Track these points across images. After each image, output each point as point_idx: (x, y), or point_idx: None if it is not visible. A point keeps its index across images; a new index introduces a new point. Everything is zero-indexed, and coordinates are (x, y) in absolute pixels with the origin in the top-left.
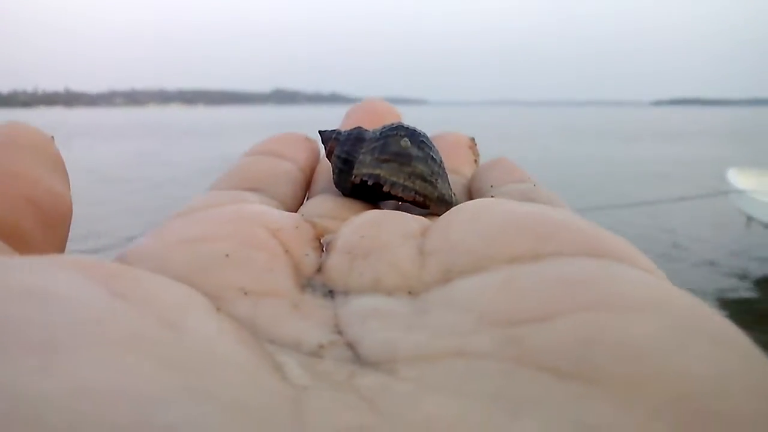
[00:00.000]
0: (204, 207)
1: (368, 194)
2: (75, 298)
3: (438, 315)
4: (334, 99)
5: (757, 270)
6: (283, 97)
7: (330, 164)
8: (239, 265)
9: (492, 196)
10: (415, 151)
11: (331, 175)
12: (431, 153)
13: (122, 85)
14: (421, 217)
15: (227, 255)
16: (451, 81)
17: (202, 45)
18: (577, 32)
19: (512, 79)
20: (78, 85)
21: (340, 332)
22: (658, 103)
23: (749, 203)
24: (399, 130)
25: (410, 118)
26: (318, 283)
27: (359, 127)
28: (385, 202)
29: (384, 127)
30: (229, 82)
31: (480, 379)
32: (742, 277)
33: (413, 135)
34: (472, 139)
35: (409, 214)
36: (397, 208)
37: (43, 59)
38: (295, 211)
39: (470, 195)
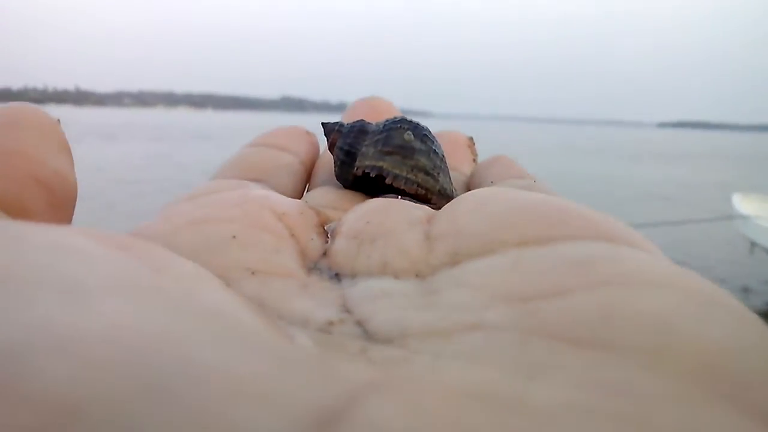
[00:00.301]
0: (209, 192)
1: (370, 187)
2: (95, 254)
3: (448, 294)
4: (341, 108)
5: (759, 298)
6: (290, 104)
7: (331, 157)
8: (246, 246)
9: None
10: (418, 145)
11: (333, 168)
12: (434, 147)
13: (131, 86)
14: (425, 206)
15: (234, 236)
16: (455, 94)
17: (211, 49)
18: (583, 51)
19: (516, 95)
20: (87, 84)
21: (348, 311)
22: (663, 124)
23: (753, 229)
24: (402, 124)
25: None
26: (324, 267)
27: (362, 120)
28: (387, 195)
29: (387, 121)
30: (237, 87)
31: (496, 350)
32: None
33: (416, 128)
34: (471, 138)
35: (413, 203)
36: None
37: (54, 58)
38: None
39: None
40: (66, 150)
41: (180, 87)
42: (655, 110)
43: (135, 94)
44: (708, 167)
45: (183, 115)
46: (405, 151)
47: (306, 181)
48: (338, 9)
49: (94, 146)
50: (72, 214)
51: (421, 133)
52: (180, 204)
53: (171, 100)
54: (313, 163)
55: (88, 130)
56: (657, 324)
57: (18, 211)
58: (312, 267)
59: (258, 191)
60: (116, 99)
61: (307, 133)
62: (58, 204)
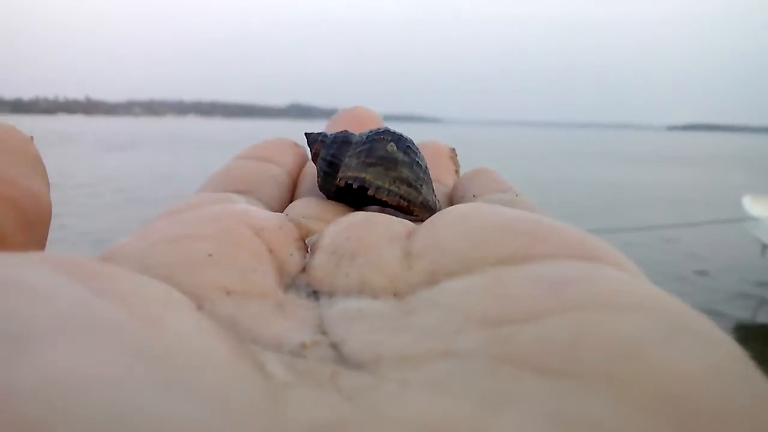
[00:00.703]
0: (189, 208)
1: (353, 198)
2: (49, 290)
3: (423, 316)
4: None
5: None
6: (299, 112)
7: (315, 167)
8: (222, 265)
9: None
10: (401, 156)
11: (316, 179)
12: (416, 159)
13: (141, 95)
14: (407, 221)
15: (210, 254)
16: (463, 100)
17: (219, 58)
18: (591, 55)
19: (526, 100)
20: (98, 94)
21: (323, 332)
22: (673, 127)
23: (764, 231)
24: (385, 135)
25: (424, 135)
26: (302, 283)
27: (345, 131)
28: (369, 206)
29: (371, 132)
30: (245, 95)
31: (464, 378)
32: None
33: (399, 140)
34: (453, 150)
35: (395, 217)
36: (381, 213)
37: (65, 68)
38: (281, 212)
39: (452, 204)
40: (40, 168)
41: (189, 95)
42: (664, 113)
43: (145, 103)
44: (720, 169)
45: (193, 123)
46: (388, 163)
47: (293, 193)
48: (346, 17)
49: (108, 156)
50: (46, 233)
51: (404, 145)
52: (158, 220)
53: (180, 108)
54: (300, 172)
55: (102, 139)
56: (624, 351)
57: None
58: (290, 284)
59: (237, 206)
60: (126, 108)
61: (296, 144)
62: (30, 224)
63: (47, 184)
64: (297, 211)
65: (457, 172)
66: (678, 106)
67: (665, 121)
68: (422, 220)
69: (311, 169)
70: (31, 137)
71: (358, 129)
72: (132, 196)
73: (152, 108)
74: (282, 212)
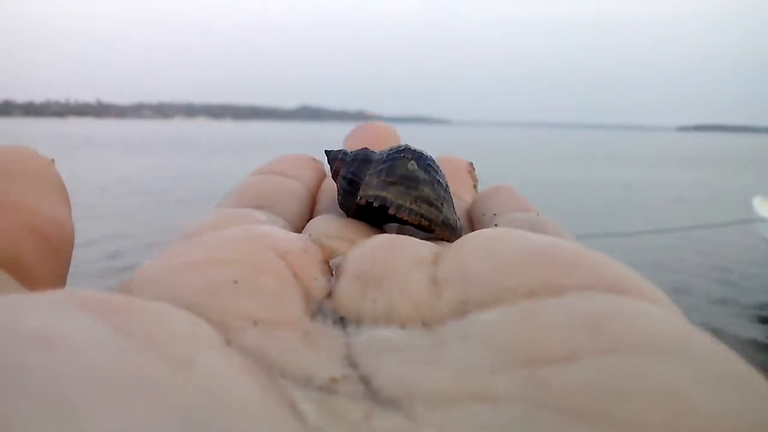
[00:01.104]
0: (211, 227)
1: (373, 216)
2: (80, 339)
3: (456, 350)
4: (359, 117)
5: None
6: (308, 114)
7: (335, 184)
8: (248, 292)
9: (496, 225)
10: (422, 175)
11: (336, 195)
12: (437, 177)
13: (151, 97)
14: (431, 243)
15: (236, 281)
16: (473, 102)
17: (229, 60)
18: (601, 56)
19: (535, 101)
20: (108, 97)
21: (352, 365)
22: (683, 128)
23: None
24: (406, 153)
25: (432, 137)
26: (328, 309)
27: (366, 149)
28: (389, 224)
29: (391, 150)
30: (255, 97)
31: (503, 424)
32: None
33: (420, 158)
34: (471, 164)
35: (419, 240)
36: (401, 231)
37: (76, 71)
38: (301, 229)
39: (471, 221)
40: (62, 193)
41: (199, 98)
42: (675, 114)
43: (155, 106)
44: (732, 170)
45: (202, 125)
46: (409, 182)
47: (312, 208)
48: (355, 20)
49: (121, 158)
50: (70, 258)
51: (425, 163)
52: (181, 242)
53: (190, 111)
54: (319, 186)
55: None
56: (669, 400)
57: (13, 262)
58: (316, 310)
59: (261, 228)
60: (136, 111)
61: (314, 160)
62: (54, 251)
63: (69, 208)
64: (318, 229)
65: (475, 186)
66: (688, 106)
67: (675, 121)
68: (443, 239)
69: (330, 184)
70: (52, 160)
71: (377, 145)
72: (159, 198)
73: (162, 110)
74: (302, 226)
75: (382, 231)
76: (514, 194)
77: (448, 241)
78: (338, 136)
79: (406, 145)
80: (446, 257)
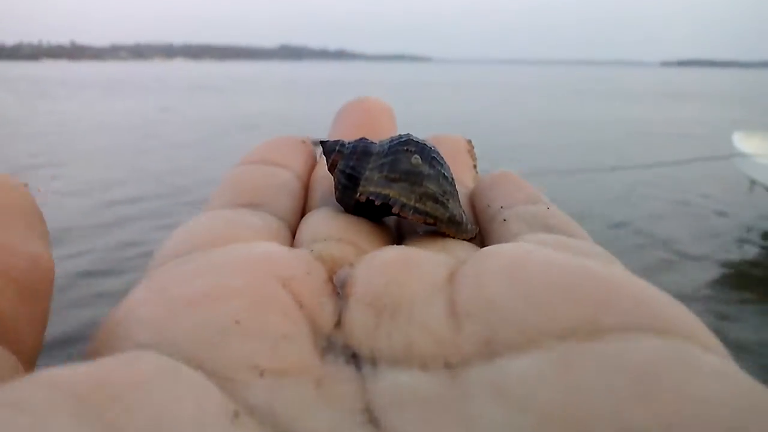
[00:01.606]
0: (203, 243)
1: (373, 212)
2: None
3: (487, 407)
4: (340, 56)
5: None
6: (289, 53)
7: (328, 173)
8: (251, 335)
9: (504, 219)
10: (426, 169)
11: (332, 188)
12: (442, 170)
13: (127, 38)
14: (444, 256)
15: (237, 321)
16: (454, 39)
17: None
18: None
19: (517, 39)
20: (83, 39)
21: (373, 421)
22: (666, 64)
23: (753, 167)
24: (409, 146)
25: (414, 75)
26: (339, 343)
27: (364, 139)
28: (389, 217)
29: (392, 141)
30: (235, 37)
31: None
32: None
33: (423, 151)
34: (469, 142)
35: (432, 254)
36: (400, 224)
37: (49, 12)
38: (296, 225)
39: (474, 210)
40: (37, 221)
41: (177, 39)
42: (658, 49)
43: (131, 47)
44: (715, 106)
45: (181, 66)
46: (413, 177)
47: (305, 198)
48: None
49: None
50: (48, 304)
51: (429, 156)
52: (171, 267)
53: (168, 52)
54: (311, 173)
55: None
56: None
57: None
58: (326, 346)
59: (259, 248)
60: (112, 53)
61: (302, 142)
62: (31, 295)
63: (47, 241)
64: (316, 231)
65: (475, 167)
66: (671, 41)
67: (659, 57)
68: (448, 235)
69: (323, 173)
70: (25, 184)
71: (369, 123)
72: (151, 141)
73: (139, 52)
74: (297, 222)
75: (383, 226)
76: (519, 183)
77: (453, 237)
78: (321, 77)
79: (408, 134)
80: (464, 278)
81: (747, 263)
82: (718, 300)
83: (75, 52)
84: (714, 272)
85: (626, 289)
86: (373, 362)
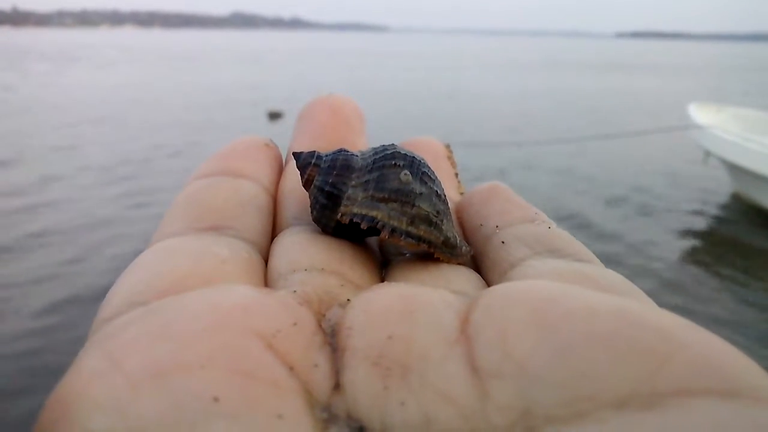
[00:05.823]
0: (163, 287)
1: (355, 233)
2: None
3: None
4: (294, 24)
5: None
6: (242, 21)
7: (299, 185)
8: (235, 417)
9: (503, 242)
10: (417, 187)
11: (307, 204)
12: (434, 187)
13: (73, 4)
14: (451, 295)
15: (216, 398)
16: (412, 7)
17: None
18: None
19: (469, 9)
20: (26, 4)
21: None
22: (621, 35)
23: (707, 138)
24: (396, 159)
25: (371, 46)
26: (341, 413)
27: (344, 151)
28: (372, 237)
29: (376, 153)
30: (185, 4)
31: None
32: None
33: (413, 165)
34: (448, 147)
35: (434, 292)
36: (384, 243)
37: None
38: (267, 248)
39: (463, 228)
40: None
41: (125, 5)
42: (612, 20)
43: (77, 14)
44: (673, 77)
45: (130, 34)
46: (403, 197)
47: (273, 214)
48: None
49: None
50: None
51: (420, 171)
52: (131, 324)
53: (116, 19)
54: (278, 184)
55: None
56: None
57: None
58: (326, 418)
59: (231, 295)
60: (58, 19)
61: (266, 145)
62: None
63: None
64: (293, 258)
65: (456, 175)
66: (626, 12)
67: (613, 28)
68: (442, 260)
69: (292, 184)
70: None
71: (338, 125)
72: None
73: (85, 18)
74: (268, 243)
75: (366, 247)
76: (510, 197)
77: (447, 262)
78: (276, 47)
79: (393, 145)
80: (482, 328)
81: (701, 233)
82: (670, 270)
83: (18, 18)
84: (670, 245)
85: (678, 335)
86: None
